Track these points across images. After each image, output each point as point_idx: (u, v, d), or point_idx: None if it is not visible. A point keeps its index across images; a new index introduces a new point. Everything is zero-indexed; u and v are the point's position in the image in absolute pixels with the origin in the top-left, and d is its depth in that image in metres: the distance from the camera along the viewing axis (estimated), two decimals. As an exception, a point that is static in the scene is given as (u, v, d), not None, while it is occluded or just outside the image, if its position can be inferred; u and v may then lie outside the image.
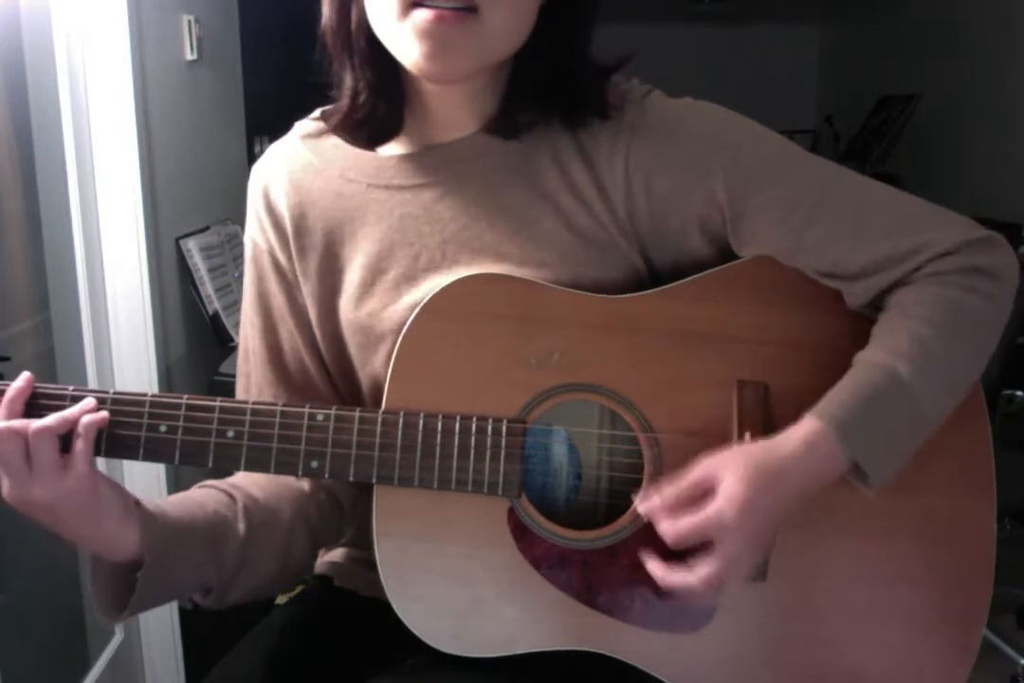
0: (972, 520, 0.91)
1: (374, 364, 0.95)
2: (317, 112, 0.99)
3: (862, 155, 4.52)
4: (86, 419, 0.83)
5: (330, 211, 0.96)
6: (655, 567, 0.83)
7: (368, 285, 0.94)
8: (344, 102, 0.92)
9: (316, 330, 0.98)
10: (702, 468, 0.82)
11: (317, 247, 0.96)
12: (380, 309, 0.94)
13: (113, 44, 1.79)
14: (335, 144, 0.96)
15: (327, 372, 1.00)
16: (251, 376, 1.02)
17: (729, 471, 0.81)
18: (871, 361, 0.86)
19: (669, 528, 0.81)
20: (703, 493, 0.81)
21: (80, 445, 0.82)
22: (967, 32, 4.07)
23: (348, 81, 0.91)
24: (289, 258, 0.98)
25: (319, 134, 0.97)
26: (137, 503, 0.87)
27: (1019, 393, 2.21)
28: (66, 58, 1.73)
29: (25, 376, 0.85)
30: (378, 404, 0.91)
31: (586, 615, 0.89)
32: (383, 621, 0.94)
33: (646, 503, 0.82)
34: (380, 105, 0.91)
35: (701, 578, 0.80)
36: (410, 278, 0.93)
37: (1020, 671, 2.22)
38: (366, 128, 0.93)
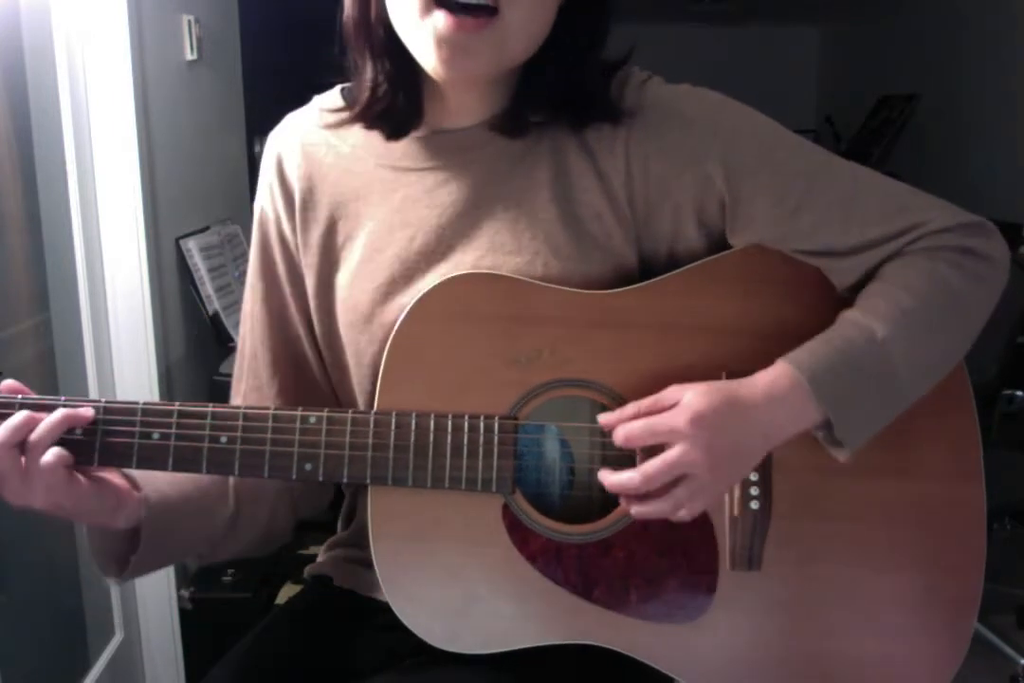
0: (963, 505, 0.91)
1: (360, 343, 0.95)
2: (337, 88, 0.99)
3: (862, 155, 4.52)
4: (34, 435, 0.82)
5: (337, 187, 0.97)
6: (603, 472, 0.84)
7: (366, 263, 0.95)
8: (364, 95, 0.92)
9: (311, 302, 0.99)
10: (668, 389, 0.84)
11: (321, 221, 0.97)
12: (373, 291, 0.94)
13: (113, 44, 1.79)
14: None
15: (316, 344, 1.01)
16: (247, 338, 1.03)
17: (690, 390, 0.83)
18: (849, 319, 0.87)
19: (621, 428, 0.82)
20: (664, 410, 0.83)
21: (35, 458, 0.82)
22: (967, 32, 4.07)
23: (368, 73, 0.91)
24: (293, 230, 0.99)
25: (337, 109, 0.97)
26: (133, 486, 0.89)
27: (1019, 393, 2.21)
28: (66, 58, 1.74)
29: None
30: (362, 382, 0.94)
31: (583, 608, 0.89)
32: (383, 621, 0.94)
33: (605, 415, 0.85)
34: (400, 96, 0.91)
35: (645, 473, 0.81)
36: (405, 260, 0.94)
37: (1020, 671, 2.22)
38: (386, 121, 0.93)
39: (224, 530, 0.97)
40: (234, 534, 0.98)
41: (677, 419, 0.81)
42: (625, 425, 0.83)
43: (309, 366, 1.02)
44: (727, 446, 0.82)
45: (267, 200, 1.01)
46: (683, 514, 0.83)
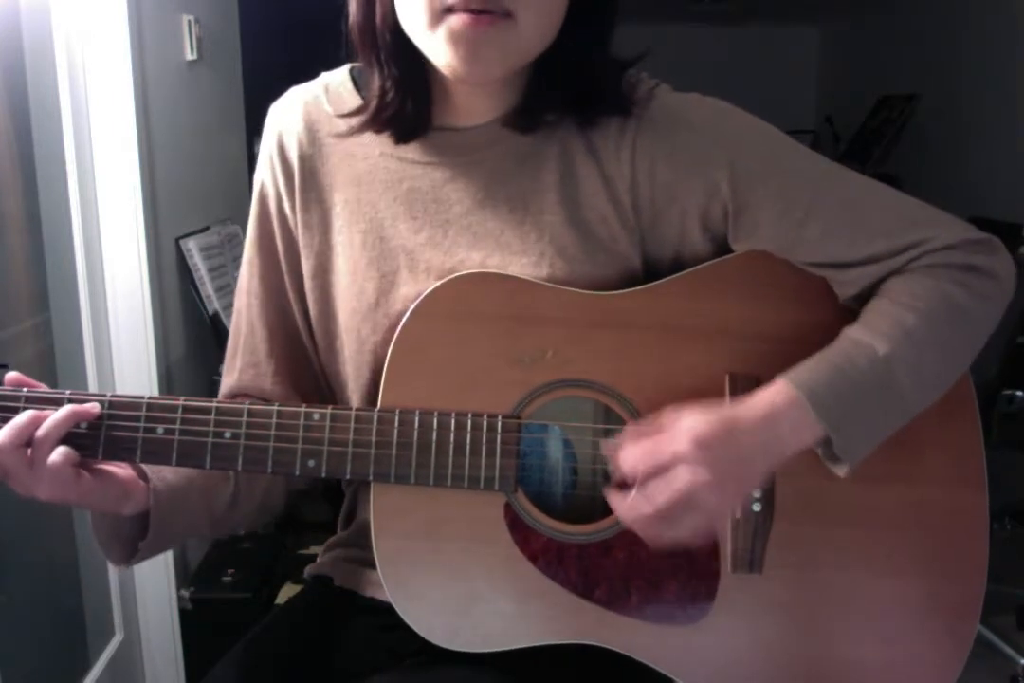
0: (965, 511, 0.91)
1: (362, 330, 0.95)
2: (347, 66, 0.99)
3: (862, 155, 4.52)
4: (41, 431, 0.83)
5: (339, 169, 0.96)
6: (609, 492, 0.84)
7: (369, 250, 0.95)
8: (373, 102, 0.92)
9: (308, 283, 0.99)
10: (666, 415, 0.84)
11: (321, 202, 0.97)
12: (379, 279, 0.94)
13: (113, 44, 1.79)
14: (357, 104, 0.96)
15: (309, 325, 1.01)
16: (243, 313, 1.03)
17: (688, 413, 0.83)
18: (849, 336, 0.87)
19: (623, 454, 0.82)
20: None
21: (42, 456, 0.83)
22: (967, 32, 4.07)
23: (376, 79, 0.91)
24: (293, 208, 0.98)
25: (344, 90, 0.97)
26: (140, 475, 0.91)
27: (1019, 393, 2.21)
28: (66, 58, 1.74)
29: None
30: (360, 368, 0.94)
31: (583, 608, 0.89)
32: (383, 621, 0.94)
33: (608, 442, 0.84)
34: (408, 101, 0.91)
35: (650, 498, 0.80)
36: (410, 252, 0.94)
37: (1020, 671, 2.22)
38: (395, 125, 0.93)
39: (225, 510, 0.98)
40: (234, 512, 0.99)
41: (679, 442, 0.81)
42: (627, 452, 0.82)
43: (303, 346, 1.02)
44: (730, 465, 0.82)
45: (268, 175, 1.00)
46: (693, 538, 0.83)
